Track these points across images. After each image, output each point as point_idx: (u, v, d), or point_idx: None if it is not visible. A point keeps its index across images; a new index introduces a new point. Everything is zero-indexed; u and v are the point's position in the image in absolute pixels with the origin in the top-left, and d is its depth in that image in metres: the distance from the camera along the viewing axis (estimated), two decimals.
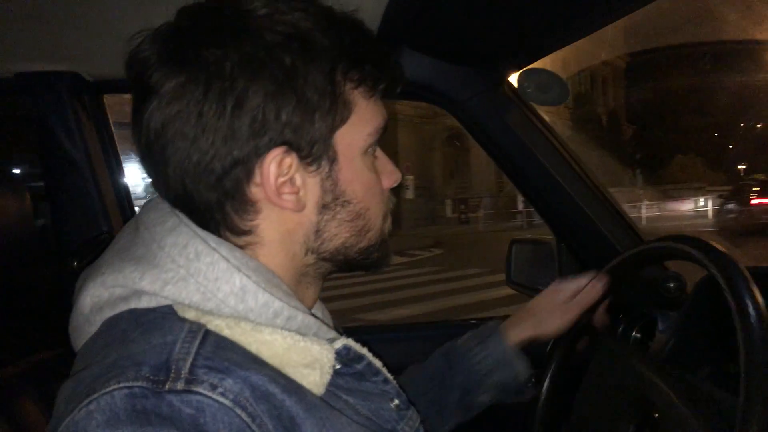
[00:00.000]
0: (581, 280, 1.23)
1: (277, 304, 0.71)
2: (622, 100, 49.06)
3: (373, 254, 0.83)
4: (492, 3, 1.18)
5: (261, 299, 0.70)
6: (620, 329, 1.42)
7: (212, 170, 0.70)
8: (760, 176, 21.65)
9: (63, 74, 1.36)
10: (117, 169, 1.51)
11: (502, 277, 2.05)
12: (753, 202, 17.44)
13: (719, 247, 0.95)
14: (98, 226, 1.41)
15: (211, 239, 0.73)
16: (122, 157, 1.52)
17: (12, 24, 1.18)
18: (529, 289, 1.92)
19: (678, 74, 43.85)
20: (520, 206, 33.18)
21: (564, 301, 1.21)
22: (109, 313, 0.69)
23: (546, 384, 1.28)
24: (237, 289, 0.69)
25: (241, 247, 0.75)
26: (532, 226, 24.62)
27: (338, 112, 0.73)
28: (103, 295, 0.70)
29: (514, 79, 1.55)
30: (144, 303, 0.68)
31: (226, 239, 0.74)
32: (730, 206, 18.79)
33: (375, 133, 0.79)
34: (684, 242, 1.02)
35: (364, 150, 0.78)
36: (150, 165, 0.74)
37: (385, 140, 0.82)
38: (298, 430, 0.65)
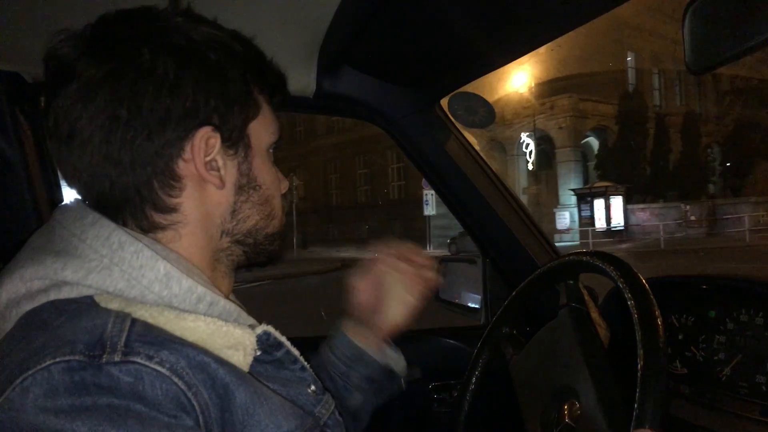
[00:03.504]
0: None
1: (200, 289, 0.75)
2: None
3: (276, 242, 0.92)
4: (428, 28, 1.28)
5: (185, 285, 0.74)
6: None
7: (145, 149, 0.75)
8: None
9: (1, 73, 1.34)
10: (52, 174, 1.48)
11: None
12: None
13: (624, 261, 1.06)
14: (31, 229, 1.37)
15: (132, 232, 0.76)
16: None
17: None
18: (456, 307, 2.00)
19: None
20: (564, 223, 32.07)
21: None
22: (27, 307, 0.69)
23: (470, 391, 1.35)
24: (161, 276, 0.73)
25: (165, 228, 0.79)
26: None
27: (251, 108, 0.84)
28: (20, 289, 0.70)
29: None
30: (65, 293, 0.69)
31: (150, 219, 0.78)
32: None
33: (276, 133, 0.90)
34: (593, 257, 1.13)
35: (268, 146, 0.89)
36: (69, 155, 0.76)
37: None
38: (231, 396, 0.69)
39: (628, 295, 0.97)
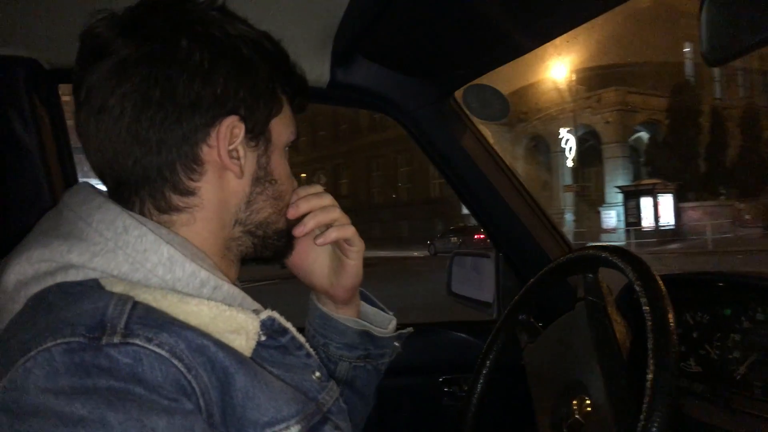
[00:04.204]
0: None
1: (203, 273, 0.75)
2: None
3: (283, 239, 0.94)
4: (442, 19, 1.27)
5: (188, 269, 0.75)
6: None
7: (173, 131, 0.77)
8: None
9: (19, 59, 1.36)
10: (68, 161, 1.51)
11: None
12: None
13: (643, 261, 1.04)
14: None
15: (138, 216, 0.77)
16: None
17: None
18: (468, 300, 2.00)
19: None
20: (610, 223, 31.23)
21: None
22: (34, 289, 0.71)
23: (483, 376, 1.34)
24: (165, 260, 0.74)
25: (181, 210, 0.81)
26: None
27: (275, 105, 0.87)
28: (28, 271, 0.72)
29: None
30: (71, 276, 0.70)
31: (168, 200, 0.80)
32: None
33: (294, 133, 0.93)
34: (613, 253, 1.11)
35: (285, 144, 0.92)
36: (97, 129, 0.77)
37: None
38: (231, 380, 0.69)
39: (643, 300, 0.96)
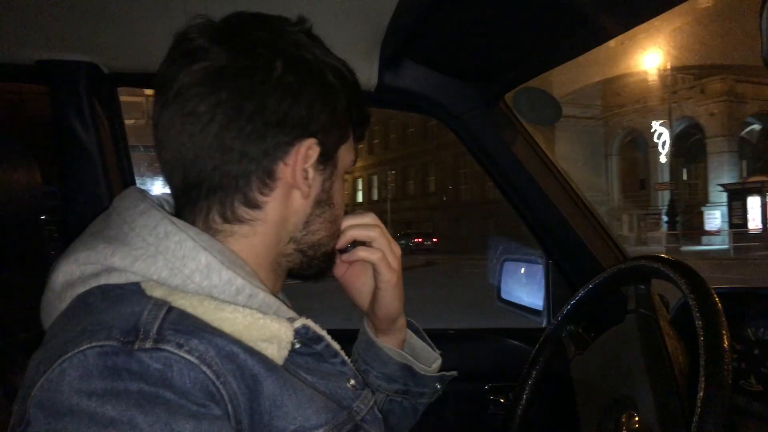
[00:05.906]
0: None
1: (239, 281, 0.76)
2: None
3: (328, 261, 0.96)
4: (492, 21, 1.25)
5: (225, 276, 0.76)
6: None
7: (257, 145, 0.80)
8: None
9: (81, 64, 1.42)
10: (126, 162, 1.58)
11: None
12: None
13: (698, 273, 1.00)
14: None
15: (180, 222, 0.79)
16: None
17: (35, 10, 1.26)
18: (518, 308, 1.96)
19: None
20: (714, 224, 29.70)
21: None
22: (80, 289, 0.74)
23: (528, 387, 1.33)
24: (202, 267, 0.75)
25: (244, 222, 0.82)
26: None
27: (345, 132, 0.90)
28: (75, 272, 0.75)
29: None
30: (114, 279, 0.73)
31: (235, 210, 0.82)
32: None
33: (353, 161, 0.95)
34: (666, 264, 1.07)
35: (345, 170, 0.94)
36: (182, 130, 0.79)
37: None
38: (260, 387, 0.70)
39: (696, 314, 0.92)
